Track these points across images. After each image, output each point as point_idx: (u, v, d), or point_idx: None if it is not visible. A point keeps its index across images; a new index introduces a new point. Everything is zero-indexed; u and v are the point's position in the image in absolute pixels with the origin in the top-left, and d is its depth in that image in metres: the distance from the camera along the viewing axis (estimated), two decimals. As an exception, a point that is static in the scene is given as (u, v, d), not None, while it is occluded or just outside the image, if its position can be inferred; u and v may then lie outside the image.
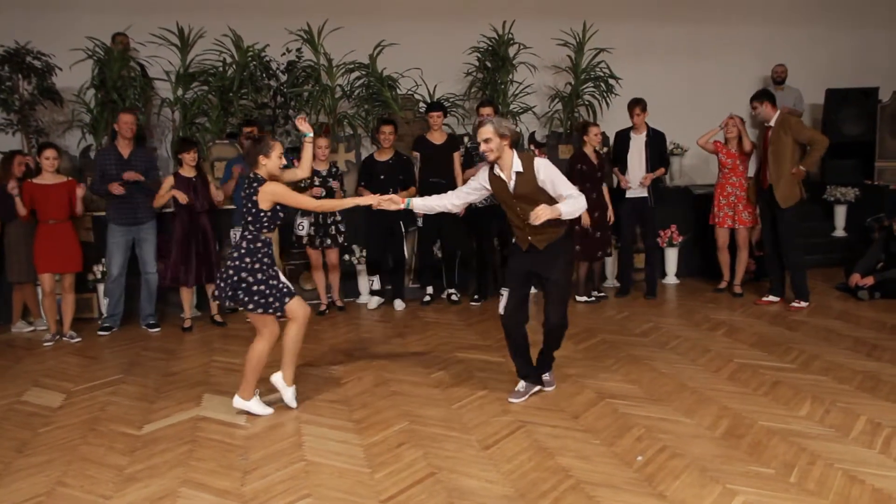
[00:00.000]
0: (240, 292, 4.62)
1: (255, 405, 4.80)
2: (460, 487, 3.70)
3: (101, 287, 7.40)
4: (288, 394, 4.89)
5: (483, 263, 7.94)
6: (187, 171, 6.99)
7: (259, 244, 4.68)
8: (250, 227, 4.67)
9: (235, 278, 4.62)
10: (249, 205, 4.65)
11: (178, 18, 8.32)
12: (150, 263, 7.13)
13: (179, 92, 8.37)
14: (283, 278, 4.81)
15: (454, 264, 8.00)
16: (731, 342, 6.14)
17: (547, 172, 4.63)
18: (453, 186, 7.19)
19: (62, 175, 6.91)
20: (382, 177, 7.49)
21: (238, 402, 4.79)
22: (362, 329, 7.00)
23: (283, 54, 8.54)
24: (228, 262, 4.68)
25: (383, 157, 7.58)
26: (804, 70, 10.09)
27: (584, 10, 9.27)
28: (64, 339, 6.87)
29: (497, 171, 4.70)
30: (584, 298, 7.81)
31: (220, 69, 8.35)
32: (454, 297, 7.92)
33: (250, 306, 4.64)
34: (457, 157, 7.72)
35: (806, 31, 10.60)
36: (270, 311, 4.69)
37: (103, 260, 7.28)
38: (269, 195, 4.60)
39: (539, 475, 3.80)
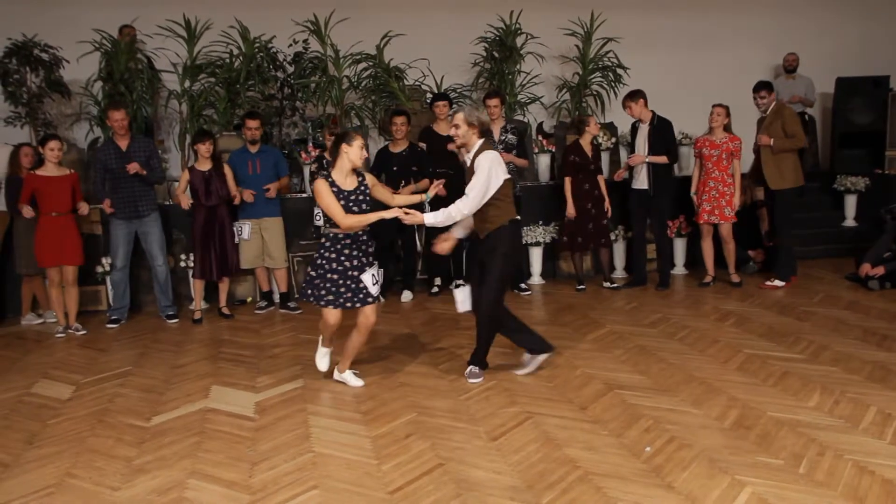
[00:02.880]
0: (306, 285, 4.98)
1: (350, 378, 5.15)
2: (468, 479, 3.70)
3: (109, 279, 7.41)
4: (348, 378, 5.18)
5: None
6: (202, 164, 6.99)
7: (322, 239, 4.95)
8: (326, 224, 5.02)
9: (314, 276, 4.94)
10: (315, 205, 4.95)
11: (184, 10, 8.31)
12: (158, 256, 7.14)
13: (186, 84, 8.37)
14: (360, 279, 4.92)
15: (462, 255, 7.99)
16: (739, 333, 6.12)
17: (479, 168, 4.83)
18: (460, 176, 7.22)
19: (65, 168, 6.91)
20: (396, 168, 7.49)
21: (336, 374, 5.22)
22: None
23: (290, 45, 8.53)
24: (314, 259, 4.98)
25: (397, 148, 7.57)
26: (814, 59, 10.01)
27: (591, 0, 9.22)
28: (69, 331, 6.89)
29: (462, 157, 5.08)
30: (582, 287, 7.89)
31: (227, 61, 8.35)
32: (462, 288, 7.91)
33: (310, 298, 4.94)
34: None
35: (816, 19, 10.53)
36: (321, 303, 4.91)
37: (112, 252, 7.31)
38: (315, 193, 4.82)
39: (547, 466, 3.80)
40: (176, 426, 4.56)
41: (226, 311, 7.31)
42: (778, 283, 7.62)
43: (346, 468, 3.88)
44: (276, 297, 7.70)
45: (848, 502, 3.34)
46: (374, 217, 4.90)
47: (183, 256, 7.58)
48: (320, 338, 5.29)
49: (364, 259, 4.93)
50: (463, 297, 5.21)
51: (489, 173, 4.82)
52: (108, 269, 7.36)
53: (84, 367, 5.86)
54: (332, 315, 4.94)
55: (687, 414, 4.42)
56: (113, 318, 7.15)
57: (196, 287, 7.22)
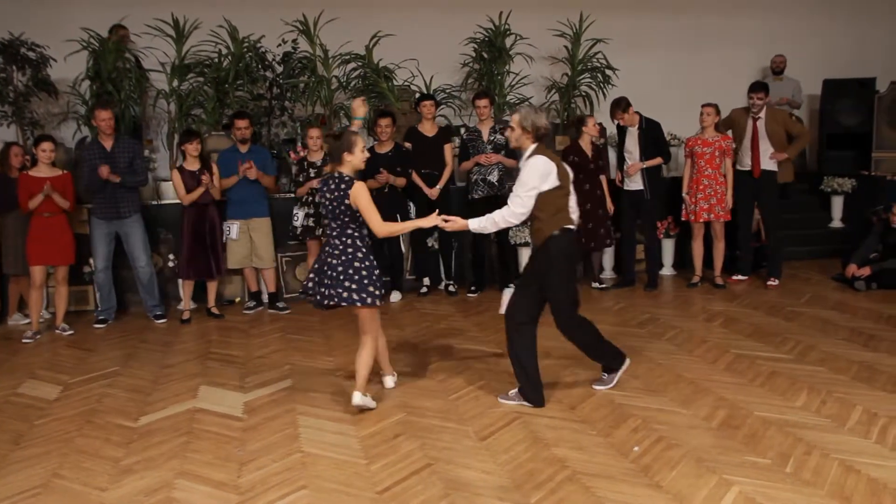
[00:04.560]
0: (368, 289, 4.57)
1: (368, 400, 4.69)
2: (457, 478, 3.70)
3: (94, 280, 7.37)
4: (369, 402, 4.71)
5: (480, 255, 7.95)
6: (191, 164, 6.97)
7: (357, 241, 4.62)
8: (352, 226, 4.58)
9: (365, 276, 4.56)
10: (343, 206, 4.53)
11: (173, 9, 8.26)
12: (140, 257, 7.10)
13: (175, 83, 8.34)
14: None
15: (451, 256, 8.00)
16: (727, 333, 6.15)
17: (523, 171, 4.55)
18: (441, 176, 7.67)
19: (58, 168, 6.89)
20: (381, 169, 7.48)
21: (357, 398, 4.59)
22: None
23: (279, 45, 8.51)
24: (350, 266, 4.55)
25: (383, 149, 7.56)
26: (801, 60, 10.04)
27: (580, 1, 9.22)
28: (56, 331, 6.85)
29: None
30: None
31: (216, 60, 8.31)
32: (451, 289, 7.92)
33: (368, 300, 4.57)
34: (448, 149, 7.72)
35: (803, 21, 10.57)
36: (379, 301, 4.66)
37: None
38: (355, 197, 4.51)
39: (535, 466, 3.81)
40: (164, 426, 4.55)
41: (215, 310, 7.29)
42: (741, 277, 8.00)
43: (335, 468, 3.87)
44: (265, 298, 7.68)
45: (834, 501, 3.36)
46: (411, 225, 4.90)
47: (171, 256, 7.55)
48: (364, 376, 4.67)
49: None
50: (506, 299, 4.84)
51: (529, 182, 4.49)
52: (94, 269, 7.32)
53: (71, 368, 5.83)
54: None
55: (675, 414, 4.44)
56: (100, 318, 7.11)
57: (186, 288, 7.20)
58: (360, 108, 5.00)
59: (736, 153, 7.80)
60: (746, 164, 7.72)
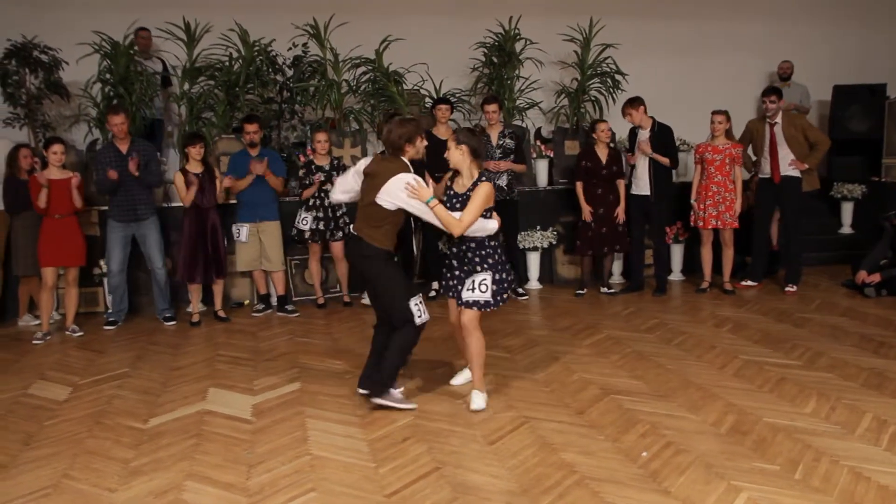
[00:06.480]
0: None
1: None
2: (465, 482, 3.70)
3: (107, 283, 7.40)
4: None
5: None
6: (194, 167, 6.99)
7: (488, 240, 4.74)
8: None
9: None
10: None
11: (184, 13, 8.33)
12: (157, 259, 7.13)
13: (186, 86, 8.39)
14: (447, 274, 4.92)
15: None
16: (736, 339, 6.13)
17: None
18: None
19: (68, 170, 6.93)
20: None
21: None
22: (367, 323, 6.99)
23: (290, 49, 8.55)
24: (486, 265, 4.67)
25: None
26: (811, 67, 10.04)
27: (590, 6, 9.24)
28: (66, 332, 6.89)
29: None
30: (582, 292, 7.91)
31: (227, 64, 8.35)
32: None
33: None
34: None
35: (812, 27, 10.56)
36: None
37: (109, 254, 7.30)
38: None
39: (543, 470, 3.81)
40: (173, 428, 4.56)
41: (221, 314, 7.30)
42: (751, 283, 8.00)
43: (344, 471, 3.88)
44: (274, 300, 7.70)
45: (843, 508, 3.36)
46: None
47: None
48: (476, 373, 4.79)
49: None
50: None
51: None
52: (105, 270, 7.35)
53: (81, 369, 5.86)
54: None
55: (683, 419, 4.43)
56: (110, 319, 7.14)
57: (193, 291, 7.21)
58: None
59: (757, 164, 7.81)
60: (767, 171, 7.71)
